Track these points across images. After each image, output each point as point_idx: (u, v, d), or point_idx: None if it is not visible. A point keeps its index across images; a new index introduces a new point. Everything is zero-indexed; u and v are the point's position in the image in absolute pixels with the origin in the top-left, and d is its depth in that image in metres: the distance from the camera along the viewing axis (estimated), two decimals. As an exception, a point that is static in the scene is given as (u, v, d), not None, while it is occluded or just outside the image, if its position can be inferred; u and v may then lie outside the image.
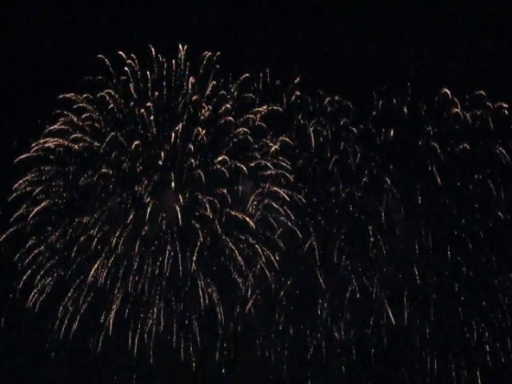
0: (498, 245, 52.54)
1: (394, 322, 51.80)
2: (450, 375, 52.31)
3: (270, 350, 51.22)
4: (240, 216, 51.33)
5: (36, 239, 52.37)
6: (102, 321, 50.76)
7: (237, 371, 50.97)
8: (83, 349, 51.83)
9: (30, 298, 51.69)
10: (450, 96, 53.55)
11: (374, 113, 54.06)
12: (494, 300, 52.04)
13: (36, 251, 52.32)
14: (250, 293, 50.96)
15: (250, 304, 50.87)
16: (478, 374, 52.01)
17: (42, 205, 52.45)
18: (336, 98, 53.83)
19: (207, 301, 50.52)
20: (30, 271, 52.05)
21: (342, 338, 52.03)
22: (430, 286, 52.43)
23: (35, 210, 52.35)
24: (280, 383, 51.41)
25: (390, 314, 51.61)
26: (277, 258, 51.31)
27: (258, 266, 51.05)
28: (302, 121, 53.69)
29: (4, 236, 52.41)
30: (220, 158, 51.74)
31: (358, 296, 52.29)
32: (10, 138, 53.59)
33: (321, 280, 51.67)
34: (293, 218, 51.72)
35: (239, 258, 50.95)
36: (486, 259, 52.55)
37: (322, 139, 53.67)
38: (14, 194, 52.53)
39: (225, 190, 51.56)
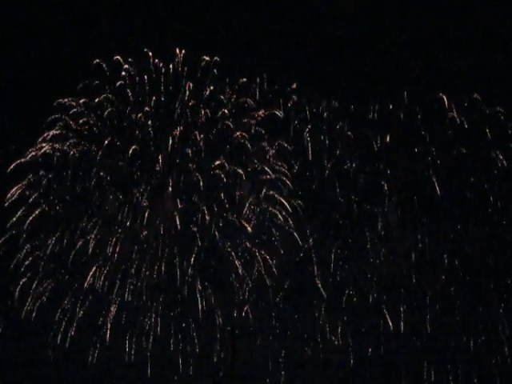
0: (495, 249, 52.75)
1: (391, 327, 51.92)
2: (448, 380, 52.49)
3: (267, 353, 51.26)
4: (237, 220, 51.37)
5: (32, 245, 52.23)
6: (99, 325, 50.78)
7: (234, 374, 50.93)
8: (81, 354, 51.72)
9: (28, 303, 51.58)
10: (446, 101, 53.76)
11: (371, 117, 54.19)
12: (491, 304, 52.22)
13: (33, 257, 52.22)
14: (247, 296, 51.00)
15: (247, 307, 50.89)
16: (475, 379, 52.21)
17: (39, 210, 52.35)
18: (332, 102, 53.98)
19: (205, 304, 50.54)
20: (27, 277, 51.97)
21: (339, 343, 52.05)
22: (427, 290, 52.59)
23: (32, 215, 52.25)
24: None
25: (388, 319, 51.71)
26: (274, 262, 51.38)
27: (256, 270, 51.11)
28: (298, 126, 53.83)
29: (0, 242, 52.27)
30: (217, 163, 51.79)
31: (354, 300, 52.46)
32: (6, 143, 53.48)
33: (318, 283, 51.77)
34: (290, 222, 51.80)
35: (237, 262, 51.01)
36: (483, 263, 52.76)
37: (318, 144, 53.78)
38: (10, 200, 52.38)
39: (222, 195, 51.65)
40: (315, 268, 52.08)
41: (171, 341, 50.71)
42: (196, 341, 50.75)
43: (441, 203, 53.36)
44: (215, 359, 50.86)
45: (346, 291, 51.98)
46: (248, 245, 51.28)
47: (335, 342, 52.05)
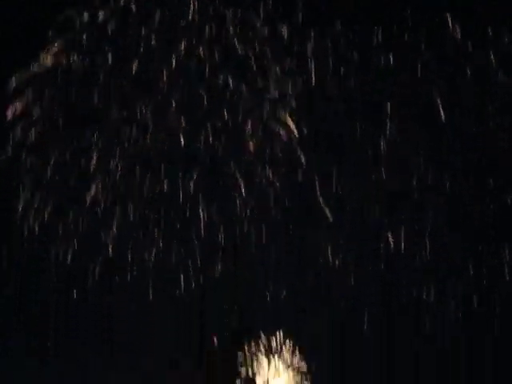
0: (497, 171, 52.94)
1: (392, 246, 52.18)
2: (447, 302, 52.98)
3: (269, 269, 51.60)
4: (240, 138, 51.34)
5: (35, 160, 52.09)
6: (101, 240, 50.93)
7: (237, 290, 51.24)
8: (83, 271, 51.85)
9: (30, 220, 51.58)
10: (451, 22, 53.49)
11: (375, 39, 53.85)
12: (488, 217, 52.54)
13: (35, 173, 52.12)
14: (249, 213, 51.13)
15: (248, 225, 51.11)
16: (475, 302, 52.63)
17: (41, 126, 52.11)
18: (337, 23, 53.64)
19: (207, 220, 50.72)
20: (29, 193, 51.90)
21: (340, 262, 52.31)
22: (429, 211, 52.88)
23: (34, 131, 52.03)
24: (279, 300, 51.77)
25: (390, 238, 51.93)
26: (276, 180, 51.49)
27: (258, 187, 51.22)
28: (302, 45, 53.51)
29: (2, 158, 52.09)
30: (221, 80, 51.56)
31: (356, 219, 52.70)
32: (8, 58, 52.98)
33: (320, 201, 51.88)
34: (294, 140, 51.80)
35: (239, 179, 51.05)
36: (484, 186, 53.00)
37: (322, 64, 53.55)
38: (12, 115, 52.09)
39: (225, 112, 51.54)
40: (317, 187, 52.16)
41: (173, 256, 50.93)
42: (198, 257, 51.03)
43: (444, 127, 53.38)
44: (217, 274, 51.17)
45: (348, 209, 52.22)
46: (251, 162, 51.28)
47: (336, 262, 52.34)
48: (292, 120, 52.13)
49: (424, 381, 52.58)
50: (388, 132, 53.02)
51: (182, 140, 51.31)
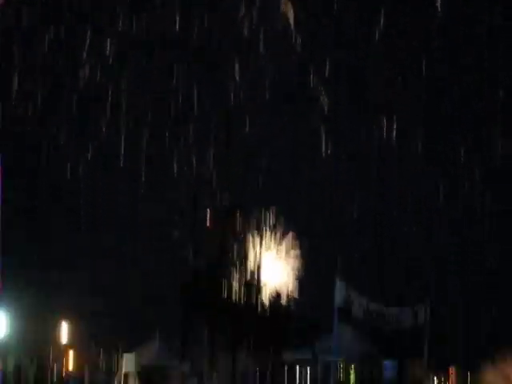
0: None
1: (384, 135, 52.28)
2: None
3: (262, 150, 52.02)
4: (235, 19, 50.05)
5: (26, 49, 51.12)
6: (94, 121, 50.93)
7: (229, 166, 51.92)
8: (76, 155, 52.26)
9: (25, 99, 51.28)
10: None
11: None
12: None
13: (25, 59, 51.24)
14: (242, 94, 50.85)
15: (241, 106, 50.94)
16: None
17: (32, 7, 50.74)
18: None
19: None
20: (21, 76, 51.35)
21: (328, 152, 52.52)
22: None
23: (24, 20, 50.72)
24: (271, 181, 52.76)
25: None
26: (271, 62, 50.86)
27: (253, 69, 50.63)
28: None
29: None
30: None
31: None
32: None
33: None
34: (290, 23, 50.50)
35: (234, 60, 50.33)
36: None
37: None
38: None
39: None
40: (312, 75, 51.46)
41: (166, 142, 51.35)
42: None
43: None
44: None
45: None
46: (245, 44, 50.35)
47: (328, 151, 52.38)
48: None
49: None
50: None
51: (176, 20, 50.07)
